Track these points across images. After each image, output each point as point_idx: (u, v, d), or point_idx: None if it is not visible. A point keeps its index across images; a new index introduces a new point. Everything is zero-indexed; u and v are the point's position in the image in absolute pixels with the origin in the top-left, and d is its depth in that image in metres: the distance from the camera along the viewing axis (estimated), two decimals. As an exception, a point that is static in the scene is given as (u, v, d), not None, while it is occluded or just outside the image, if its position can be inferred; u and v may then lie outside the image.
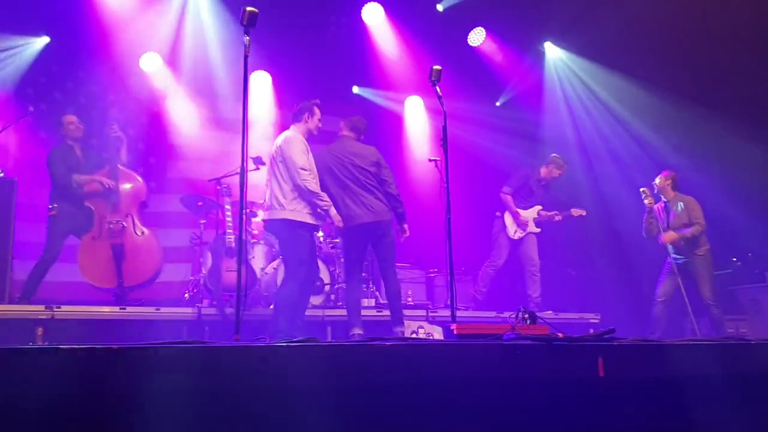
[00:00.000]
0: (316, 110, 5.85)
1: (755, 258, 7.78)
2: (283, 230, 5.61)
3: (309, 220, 5.60)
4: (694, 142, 7.86)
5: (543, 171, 8.02)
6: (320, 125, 5.90)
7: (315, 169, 5.71)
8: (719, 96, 7.74)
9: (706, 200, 7.34)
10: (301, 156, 5.54)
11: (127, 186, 6.54)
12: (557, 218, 7.93)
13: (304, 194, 5.54)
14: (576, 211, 8.01)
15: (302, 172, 5.47)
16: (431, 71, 4.90)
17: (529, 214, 7.89)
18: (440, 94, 4.89)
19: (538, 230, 7.91)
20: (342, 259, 7.31)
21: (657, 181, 7.23)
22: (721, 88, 7.71)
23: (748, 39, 7.35)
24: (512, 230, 7.83)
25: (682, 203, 7.08)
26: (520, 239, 7.85)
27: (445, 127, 4.86)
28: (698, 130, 7.84)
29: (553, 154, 8.11)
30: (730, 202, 7.60)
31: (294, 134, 5.71)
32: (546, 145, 9.17)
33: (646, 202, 7.08)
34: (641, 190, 7.15)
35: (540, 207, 7.96)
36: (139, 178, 6.71)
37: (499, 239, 7.91)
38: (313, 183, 5.53)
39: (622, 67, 8.61)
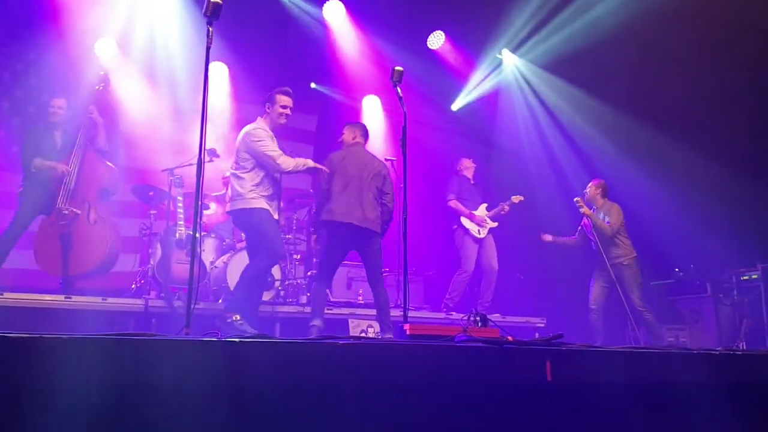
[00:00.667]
0: (278, 97, 5.67)
1: (697, 269, 7.99)
2: (244, 218, 5.57)
3: (266, 207, 5.54)
4: (642, 153, 8.05)
5: (465, 172, 8.23)
6: (284, 112, 5.69)
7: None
8: (668, 109, 7.98)
9: (650, 210, 7.53)
10: (266, 143, 5.50)
11: (88, 172, 6.37)
12: (506, 209, 8.04)
13: (276, 182, 5.60)
14: (516, 198, 8.13)
15: (278, 159, 5.47)
16: (393, 72, 4.89)
17: (481, 212, 8.05)
18: (401, 95, 4.90)
19: (495, 224, 8.08)
20: (311, 257, 7.35)
21: (587, 189, 7.44)
22: (671, 102, 7.94)
23: (698, 54, 7.59)
24: (475, 230, 7.94)
25: (603, 212, 7.26)
26: (484, 239, 7.98)
27: (404, 128, 4.86)
28: (646, 141, 8.04)
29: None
30: (672, 212, 7.80)
31: (254, 125, 5.64)
32: (500, 149, 9.30)
33: (582, 211, 7.22)
34: (575, 199, 7.28)
35: (486, 204, 8.15)
36: (109, 164, 6.57)
37: (465, 246, 7.97)
38: (290, 162, 5.52)
39: (574, 78, 8.79)
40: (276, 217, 5.66)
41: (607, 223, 7.16)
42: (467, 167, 8.24)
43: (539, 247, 8.51)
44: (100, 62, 7.98)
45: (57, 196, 6.18)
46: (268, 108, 5.69)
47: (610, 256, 7.10)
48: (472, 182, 8.22)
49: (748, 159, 7.39)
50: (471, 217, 7.94)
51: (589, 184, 7.49)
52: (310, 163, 5.70)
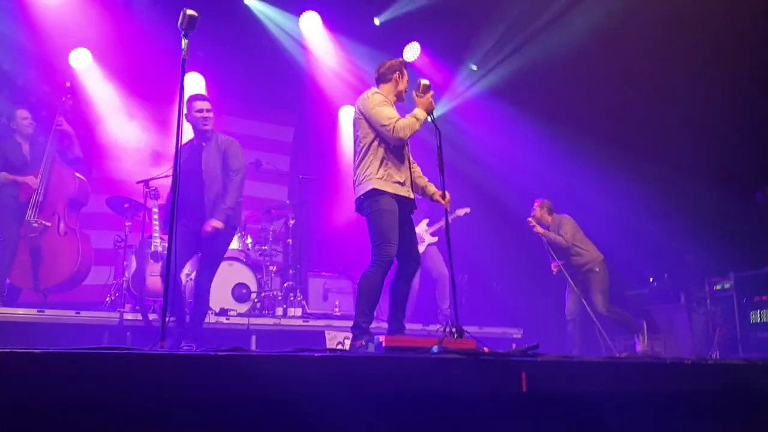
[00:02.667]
0: (405, 71, 4.97)
1: (671, 278, 8.07)
2: (364, 205, 4.68)
3: (399, 191, 4.69)
4: (612, 165, 8.13)
5: None
6: (407, 88, 4.97)
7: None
8: (637, 121, 8.12)
9: (625, 220, 7.61)
10: (382, 108, 4.67)
11: (57, 183, 6.27)
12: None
13: (397, 152, 4.75)
14: (461, 211, 8.08)
15: (395, 125, 4.59)
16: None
17: (420, 228, 7.93)
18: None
19: (435, 239, 8.08)
20: (287, 268, 7.30)
21: (534, 211, 7.52)
22: (639, 114, 8.09)
23: (668, 66, 7.72)
24: None
25: (554, 228, 7.36)
26: (423, 253, 7.93)
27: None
28: (617, 153, 8.13)
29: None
30: (646, 223, 7.88)
31: (370, 90, 4.87)
32: (472, 161, 9.33)
33: (535, 230, 7.29)
34: (528, 220, 7.36)
35: (427, 220, 8.12)
36: (78, 175, 6.46)
37: None
38: (407, 126, 4.62)
39: (541, 93, 8.88)
40: (407, 194, 4.79)
41: (561, 234, 7.24)
42: None
43: (514, 259, 8.55)
44: (72, 73, 7.91)
45: (26, 208, 6.09)
46: (398, 77, 4.90)
47: (577, 264, 7.20)
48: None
49: (719, 169, 7.51)
50: None
51: (534, 206, 7.57)
52: (420, 115, 4.73)
